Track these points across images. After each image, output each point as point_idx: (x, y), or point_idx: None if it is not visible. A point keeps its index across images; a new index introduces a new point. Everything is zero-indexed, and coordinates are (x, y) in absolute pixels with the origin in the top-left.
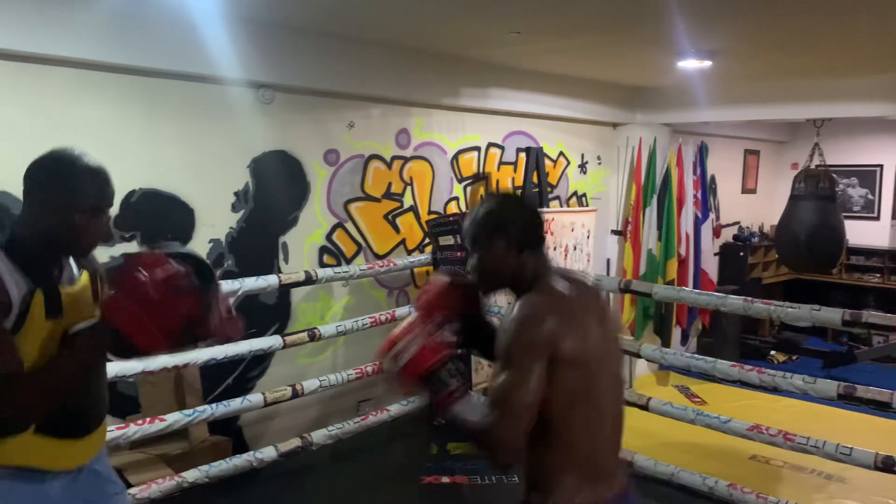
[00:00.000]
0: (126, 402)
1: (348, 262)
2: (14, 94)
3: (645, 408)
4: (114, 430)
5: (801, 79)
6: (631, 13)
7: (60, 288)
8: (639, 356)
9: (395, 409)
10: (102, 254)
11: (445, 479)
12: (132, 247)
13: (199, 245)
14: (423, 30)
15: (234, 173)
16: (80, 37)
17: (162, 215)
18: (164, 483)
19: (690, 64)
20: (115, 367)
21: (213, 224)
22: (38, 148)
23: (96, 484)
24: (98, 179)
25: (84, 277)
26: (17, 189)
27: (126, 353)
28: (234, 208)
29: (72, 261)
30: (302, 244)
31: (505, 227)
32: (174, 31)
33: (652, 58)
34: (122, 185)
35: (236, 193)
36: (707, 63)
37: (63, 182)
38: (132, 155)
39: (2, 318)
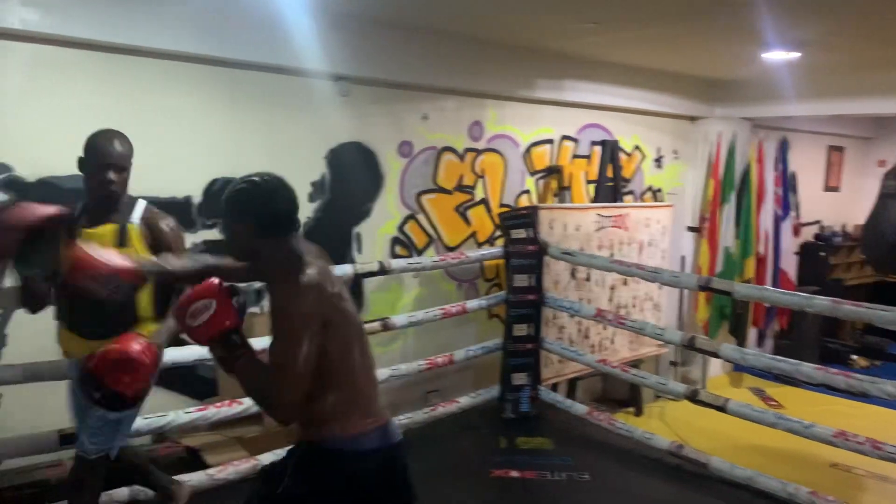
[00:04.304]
0: (205, 385)
1: (419, 253)
2: (107, 84)
3: (723, 409)
4: (193, 412)
5: (893, 71)
6: (716, 2)
7: (80, 228)
8: (716, 356)
9: (464, 401)
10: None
11: (515, 474)
12: (214, 234)
13: None
14: (500, 22)
15: (311, 164)
16: (171, 30)
17: None
18: (241, 465)
19: (777, 56)
20: (196, 351)
21: None
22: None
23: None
24: (103, 141)
25: (107, 228)
26: None
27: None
28: (311, 198)
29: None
30: (375, 235)
31: (246, 214)
32: (260, 23)
33: (735, 49)
34: (204, 174)
35: (313, 184)
36: (795, 54)
37: (87, 148)
38: (215, 144)
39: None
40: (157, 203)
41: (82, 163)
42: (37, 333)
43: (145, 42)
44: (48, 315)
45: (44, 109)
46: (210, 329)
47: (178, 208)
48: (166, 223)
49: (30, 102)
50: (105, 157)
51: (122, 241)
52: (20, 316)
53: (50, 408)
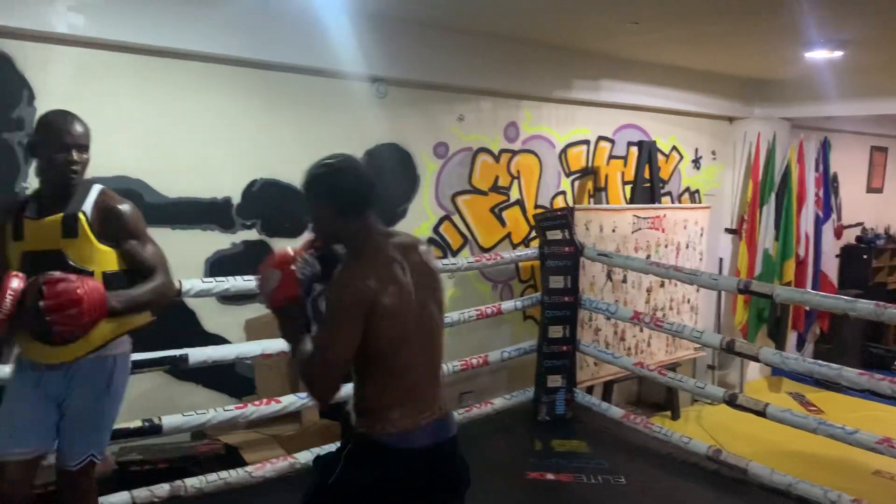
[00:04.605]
0: (243, 383)
1: (454, 254)
2: (148, 86)
3: (762, 414)
4: (233, 409)
5: None
6: (760, 2)
7: (26, 220)
8: (756, 360)
9: (498, 402)
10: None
11: (550, 476)
12: (252, 234)
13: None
14: (538, 22)
15: None
16: (211, 33)
17: (281, 205)
18: (278, 463)
19: (820, 55)
20: (236, 350)
21: None
22: (164, 136)
23: (64, 382)
24: (61, 121)
25: (54, 218)
26: (149, 175)
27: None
28: None
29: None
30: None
31: (329, 194)
32: (297, 26)
33: (776, 48)
34: (243, 176)
35: None
36: (838, 53)
37: (40, 129)
38: (253, 146)
39: None
40: (198, 204)
41: (36, 145)
42: None
43: (186, 45)
44: None
45: (88, 111)
46: (273, 296)
47: (217, 209)
48: (124, 206)
49: (75, 104)
50: (68, 137)
51: (69, 232)
52: None
53: None
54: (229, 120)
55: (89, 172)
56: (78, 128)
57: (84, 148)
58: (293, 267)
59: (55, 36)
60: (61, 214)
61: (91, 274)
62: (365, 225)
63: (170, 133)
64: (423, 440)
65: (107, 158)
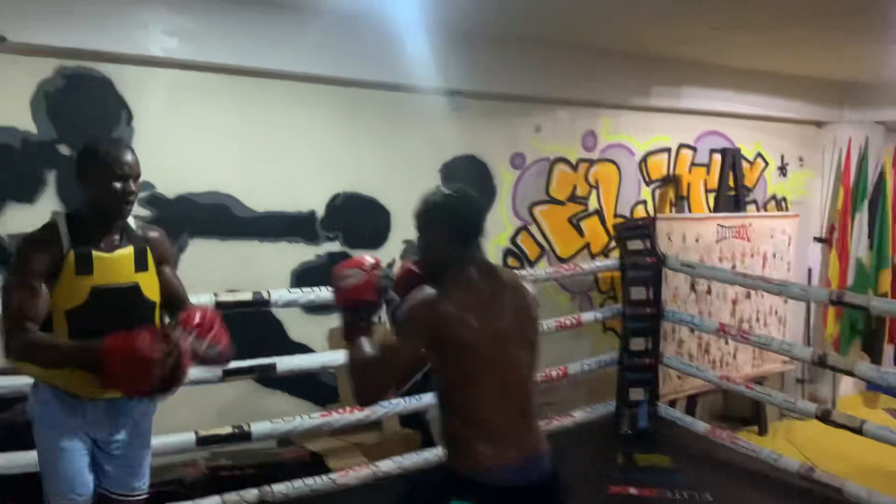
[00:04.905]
0: (327, 391)
1: (531, 264)
2: (238, 105)
3: (858, 431)
4: (318, 417)
5: None
6: (854, 3)
7: (95, 252)
8: (851, 374)
9: (579, 415)
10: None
11: (633, 491)
12: (335, 246)
13: (394, 246)
14: (617, 30)
15: (426, 177)
16: (296, 53)
17: (362, 217)
18: (361, 471)
19: None
20: (321, 358)
21: (407, 226)
22: (252, 153)
23: (111, 417)
24: (117, 151)
25: (126, 251)
26: (238, 190)
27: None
28: None
29: (123, 236)
30: (487, 246)
31: (445, 221)
32: (379, 44)
33: (868, 49)
34: (326, 190)
35: None
36: None
37: (94, 157)
38: (335, 160)
39: (41, 275)
40: (284, 217)
41: (88, 173)
42: None
43: (273, 65)
44: None
45: (182, 130)
46: (347, 294)
47: (302, 222)
48: (163, 233)
49: (169, 124)
50: (126, 167)
51: (142, 266)
52: None
53: (185, 409)
54: (313, 136)
55: (181, 188)
56: (132, 157)
57: (138, 178)
58: (375, 272)
59: (151, 59)
60: (131, 247)
61: (156, 304)
62: (469, 256)
63: (258, 149)
64: (505, 479)
65: (199, 175)
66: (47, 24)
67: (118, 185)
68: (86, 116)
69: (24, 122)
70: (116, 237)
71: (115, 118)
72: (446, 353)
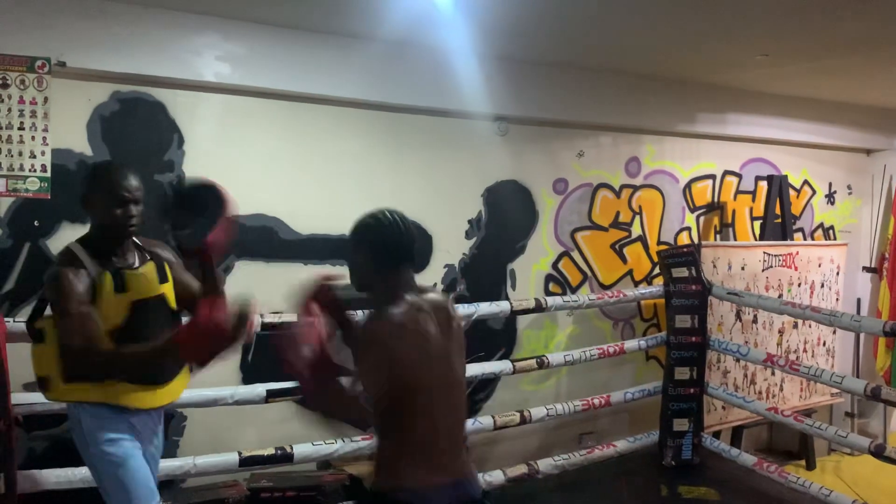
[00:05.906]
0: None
1: (573, 290)
2: (285, 129)
3: None
4: (359, 440)
5: None
6: None
7: (126, 270)
8: None
9: (621, 445)
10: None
11: None
12: None
13: (435, 270)
14: (662, 57)
15: (468, 202)
16: (344, 79)
17: None
18: None
19: None
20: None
21: (448, 250)
22: (299, 176)
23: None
24: (118, 177)
25: (149, 266)
26: (284, 213)
27: None
28: (468, 235)
29: (137, 253)
30: (529, 271)
31: (371, 244)
32: (425, 70)
33: None
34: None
35: (470, 221)
36: None
37: (96, 185)
38: (380, 185)
39: (87, 300)
40: (328, 240)
41: (92, 199)
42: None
43: (321, 91)
44: None
45: (230, 153)
46: (309, 379)
47: (346, 245)
48: (164, 244)
49: (219, 147)
50: (126, 192)
51: (164, 278)
52: None
53: (229, 430)
54: (359, 160)
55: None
56: (134, 182)
57: (141, 202)
58: (323, 337)
59: (203, 84)
60: (152, 262)
61: (176, 312)
62: (398, 279)
63: (304, 173)
64: (442, 499)
65: (246, 197)
66: (104, 50)
67: (119, 210)
68: (139, 140)
69: (81, 144)
70: (132, 254)
71: (167, 141)
72: (395, 374)
